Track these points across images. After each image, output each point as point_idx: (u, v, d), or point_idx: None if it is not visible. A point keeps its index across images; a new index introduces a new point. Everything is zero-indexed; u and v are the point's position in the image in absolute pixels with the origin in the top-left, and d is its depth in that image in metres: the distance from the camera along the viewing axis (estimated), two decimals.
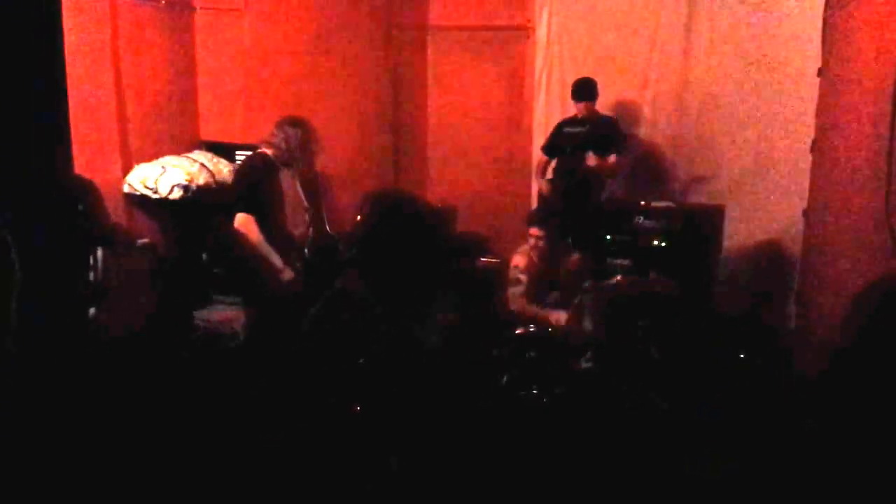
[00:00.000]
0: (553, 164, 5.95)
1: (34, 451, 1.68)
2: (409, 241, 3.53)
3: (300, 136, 4.27)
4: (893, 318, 3.20)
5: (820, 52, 5.22)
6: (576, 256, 4.81)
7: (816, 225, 5.19)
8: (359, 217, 3.65)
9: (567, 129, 5.79)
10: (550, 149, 5.91)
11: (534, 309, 4.62)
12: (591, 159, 5.59)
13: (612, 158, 5.62)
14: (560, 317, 4.57)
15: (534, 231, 4.66)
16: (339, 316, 3.48)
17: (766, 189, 5.62)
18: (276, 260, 4.12)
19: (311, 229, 4.49)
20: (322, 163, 4.74)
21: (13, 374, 1.60)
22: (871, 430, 3.04)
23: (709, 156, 5.82)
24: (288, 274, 4.12)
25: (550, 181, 5.82)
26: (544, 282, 4.71)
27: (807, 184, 5.39)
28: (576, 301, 4.55)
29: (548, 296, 4.69)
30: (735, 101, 5.68)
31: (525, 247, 4.79)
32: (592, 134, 5.67)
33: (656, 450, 3.67)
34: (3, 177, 1.54)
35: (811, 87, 5.30)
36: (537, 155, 6.14)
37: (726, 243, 5.18)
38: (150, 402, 4.02)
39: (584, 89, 5.65)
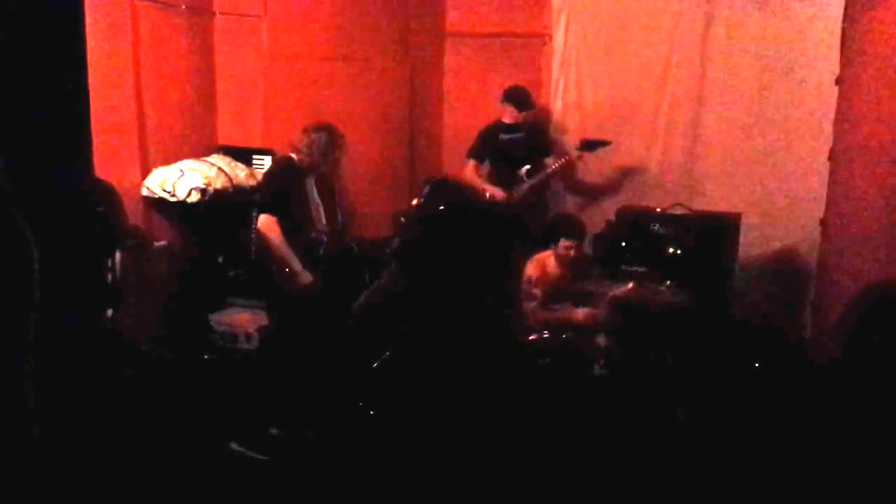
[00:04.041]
0: (485, 170, 6.01)
1: (53, 452, 1.70)
2: (464, 228, 3.56)
3: (325, 142, 4.30)
4: (885, 325, 3.20)
5: (838, 61, 5.20)
6: (594, 270, 4.80)
7: (833, 233, 5.16)
8: (416, 201, 3.68)
9: (504, 137, 5.86)
10: (482, 155, 5.96)
11: (551, 314, 4.61)
12: (553, 164, 5.75)
13: (561, 161, 5.75)
14: (583, 312, 4.57)
15: (565, 243, 4.64)
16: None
17: (782, 197, 5.59)
18: (296, 263, 4.14)
19: (329, 234, 4.51)
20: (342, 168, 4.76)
21: (32, 377, 1.62)
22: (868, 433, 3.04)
23: (726, 163, 5.80)
24: (306, 277, 4.15)
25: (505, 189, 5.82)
26: (564, 291, 4.69)
27: (824, 192, 5.36)
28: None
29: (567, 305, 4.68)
30: (753, 109, 5.66)
31: (538, 257, 4.77)
32: (531, 140, 5.84)
33: (671, 456, 3.67)
34: (26, 178, 1.56)
35: (829, 95, 5.28)
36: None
37: (743, 251, 5.15)
38: (165, 403, 4.05)
39: (529, 100, 5.82)
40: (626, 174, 6.10)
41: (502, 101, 5.85)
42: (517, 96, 5.80)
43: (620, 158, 6.00)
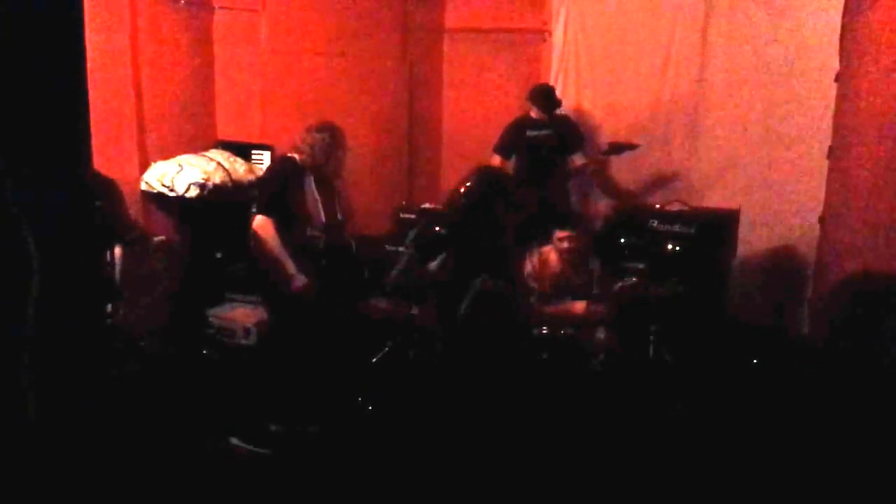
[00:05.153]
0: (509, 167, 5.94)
1: (52, 447, 1.70)
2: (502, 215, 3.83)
3: (327, 141, 4.28)
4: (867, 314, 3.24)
5: (838, 58, 5.20)
6: (597, 263, 4.80)
7: (832, 231, 5.16)
8: (463, 189, 3.85)
9: (532, 133, 5.79)
10: (509, 151, 5.90)
11: (551, 307, 4.61)
12: (578, 160, 5.75)
13: (589, 164, 5.74)
14: (582, 305, 4.57)
15: (562, 234, 4.65)
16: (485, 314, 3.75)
17: (781, 194, 5.59)
18: (290, 266, 4.12)
19: (328, 231, 4.50)
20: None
21: (31, 372, 1.62)
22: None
23: (725, 160, 5.80)
24: (299, 280, 4.13)
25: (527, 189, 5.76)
26: (564, 285, 4.69)
27: (823, 189, 5.36)
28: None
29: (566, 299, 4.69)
30: (752, 106, 5.66)
31: (535, 251, 4.78)
32: (559, 136, 5.76)
33: (669, 452, 3.68)
34: (24, 173, 1.56)
35: (828, 93, 5.28)
36: None
37: (741, 248, 5.16)
38: (164, 398, 4.05)
39: (553, 100, 5.73)
40: (626, 172, 6.10)
41: (527, 100, 5.79)
42: (540, 97, 5.72)
43: (620, 156, 6.00)
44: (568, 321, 4.49)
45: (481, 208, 3.86)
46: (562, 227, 4.68)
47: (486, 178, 4.02)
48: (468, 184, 3.91)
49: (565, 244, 4.64)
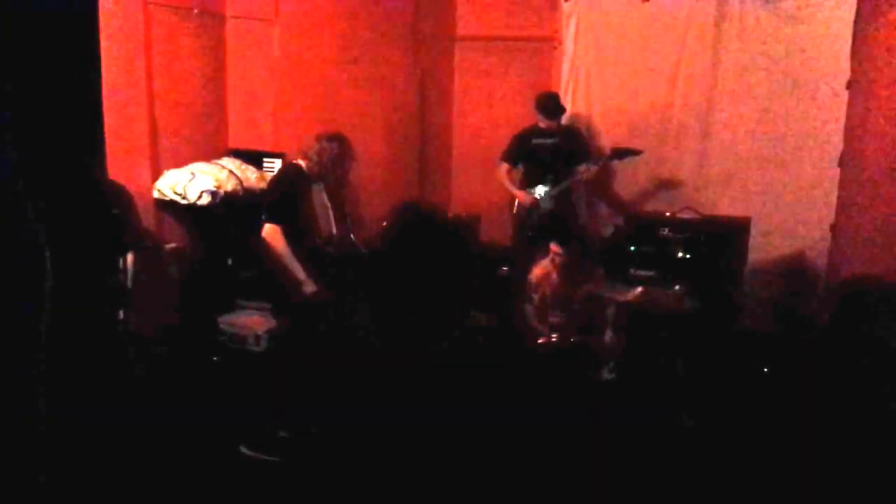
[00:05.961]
0: (517, 175, 5.96)
1: (64, 453, 1.71)
2: (431, 251, 3.73)
3: (336, 152, 4.29)
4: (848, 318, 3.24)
5: (849, 65, 5.19)
6: (599, 273, 4.80)
7: (843, 238, 5.14)
8: (384, 224, 3.83)
9: (537, 141, 5.79)
10: (515, 159, 5.92)
11: (540, 325, 4.66)
12: (584, 172, 5.66)
13: (591, 169, 5.66)
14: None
15: (554, 248, 4.66)
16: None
17: (793, 202, 5.58)
18: (300, 272, 4.12)
19: (336, 240, 4.51)
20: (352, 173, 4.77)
21: (44, 378, 1.63)
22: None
23: (735, 168, 5.79)
24: (310, 287, 4.13)
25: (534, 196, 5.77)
26: (553, 300, 4.71)
27: (834, 197, 5.35)
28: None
29: (553, 314, 4.70)
30: (763, 114, 5.65)
31: (545, 261, 4.79)
32: (564, 144, 5.74)
33: (678, 462, 3.66)
34: (39, 181, 1.58)
35: (840, 100, 5.27)
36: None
37: (752, 256, 5.14)
38: (174, 404, 4.07)
39: (557, 106, 5.73)
40: (637, 179, 6.09)
41: (534, 109, 5.82)
42: (544, 104, 5.74)
43: (630, 164, 6.00)
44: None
45: (402, 247, 3.76)
46: (557, 242, 4.69)
47: (404, 216, 3.94)
48: (384, 223, 3.86)
49: (557, 259, 4.66)
